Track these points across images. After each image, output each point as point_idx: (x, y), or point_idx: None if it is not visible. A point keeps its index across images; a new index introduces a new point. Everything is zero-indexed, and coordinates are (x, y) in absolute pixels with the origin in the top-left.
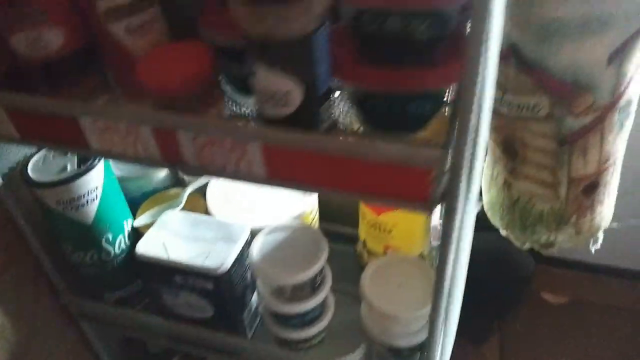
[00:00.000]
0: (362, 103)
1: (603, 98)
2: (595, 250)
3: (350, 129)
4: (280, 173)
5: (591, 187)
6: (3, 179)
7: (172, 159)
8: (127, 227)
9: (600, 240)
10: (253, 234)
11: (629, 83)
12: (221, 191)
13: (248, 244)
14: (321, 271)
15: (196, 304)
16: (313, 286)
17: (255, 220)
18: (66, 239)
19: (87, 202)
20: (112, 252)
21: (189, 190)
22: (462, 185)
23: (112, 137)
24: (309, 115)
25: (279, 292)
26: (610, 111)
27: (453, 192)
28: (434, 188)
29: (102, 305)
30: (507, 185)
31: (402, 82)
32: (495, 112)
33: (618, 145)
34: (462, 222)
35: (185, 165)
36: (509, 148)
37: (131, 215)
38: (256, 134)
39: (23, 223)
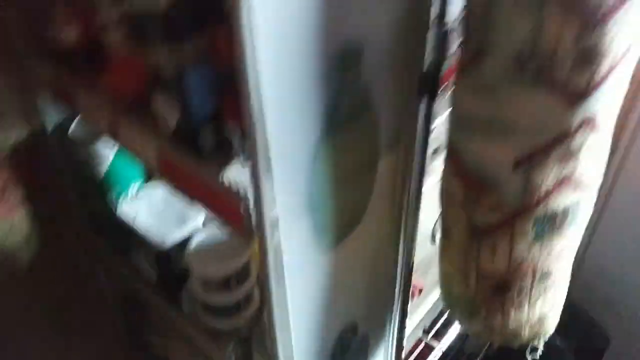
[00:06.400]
0: None
1: (509, 202)
2: None
3: None
4: None
5: (501, 287)
6: None
7: None
8: None
9: (538, 350)
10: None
11: (545, 196)
12: None
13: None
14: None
15: None
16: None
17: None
18: None
19: None
20: None
21: None
22: None
23: None
24: None
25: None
26: (520, 218)
27: None
28: None
29: None
30: (439, 259)
31: None
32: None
33: (538, 255)
34: None
35: None
36: (443, 224)
37: None
38: None
39: None
